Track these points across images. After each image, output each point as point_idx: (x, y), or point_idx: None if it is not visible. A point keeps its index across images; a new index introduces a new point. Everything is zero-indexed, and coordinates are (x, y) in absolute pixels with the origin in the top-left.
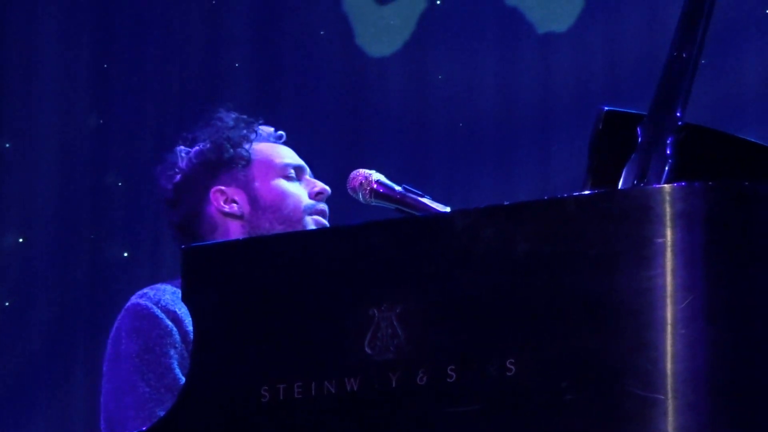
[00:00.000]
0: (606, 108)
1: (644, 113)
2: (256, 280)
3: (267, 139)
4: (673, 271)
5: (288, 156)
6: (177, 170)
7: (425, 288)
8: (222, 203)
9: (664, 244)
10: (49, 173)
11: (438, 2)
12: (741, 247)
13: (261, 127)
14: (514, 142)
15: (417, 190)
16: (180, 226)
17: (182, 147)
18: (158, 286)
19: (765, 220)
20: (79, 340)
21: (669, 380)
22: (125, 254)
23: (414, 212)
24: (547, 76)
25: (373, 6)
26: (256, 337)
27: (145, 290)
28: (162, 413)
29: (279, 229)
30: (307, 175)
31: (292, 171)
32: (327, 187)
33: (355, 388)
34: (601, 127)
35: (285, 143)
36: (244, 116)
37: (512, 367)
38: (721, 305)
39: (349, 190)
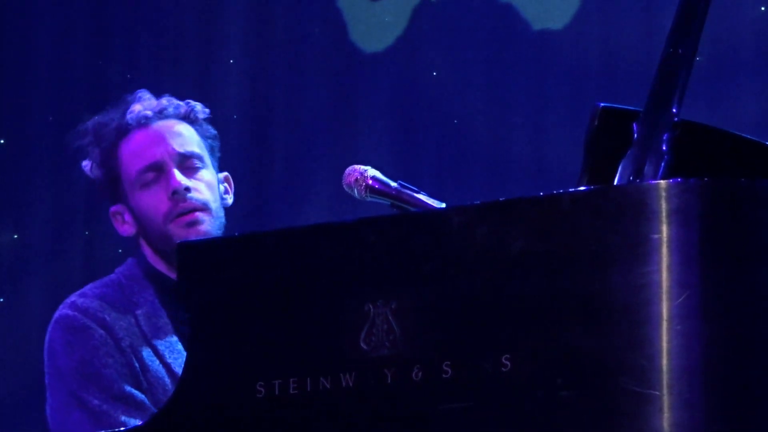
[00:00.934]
0: (602, 104)
1: (640, 110)
2: (252, 276)
3: (137, 128)
4: (669, 267)
5: (141, 156)
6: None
7: (421, 284)
8: (120, 225)
9: (659, 240)
10: (44, 170)
11: None
12: (736, 244)
13: (135, 106)
14: (509, 139)
15: (412, 186)
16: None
17: (86, 162)
18: (85, 290)
19: (761, 217)
20: None
21: (664, 376)
22: (119, 251)
23: (409, 208)
24: (542, 74)
25: (366, 2)
26: (251, 332)
27: (73, 298)
28: (118, 420)
29: (160, 245)
30: (173, 164)
31: (149, 174)
32: (181, 182)
33: (351, 384)
34: (596, 123)
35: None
36: (116, 109)
37: (507, 363)
38: (717, 301)
39: (344, 186)
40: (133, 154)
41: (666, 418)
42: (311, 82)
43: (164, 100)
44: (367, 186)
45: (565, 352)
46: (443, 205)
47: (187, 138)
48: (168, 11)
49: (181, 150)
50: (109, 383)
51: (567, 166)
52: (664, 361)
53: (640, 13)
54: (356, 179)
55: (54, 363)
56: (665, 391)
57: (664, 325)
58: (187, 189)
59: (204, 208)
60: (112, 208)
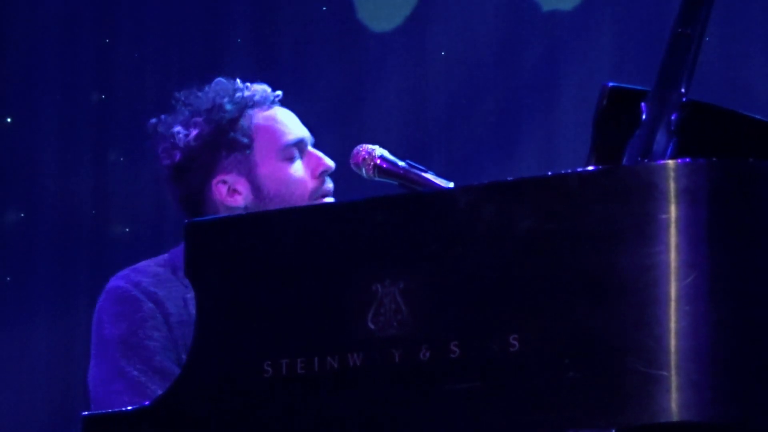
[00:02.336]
0: (610, 84)
1: (648, 90)
2: (259, 256)
3: (266, 105)
4: (677, 247)
5: (288, 131)
6: (176, 149)
7: (428, 264)
8: (225, 195)
9: (667, 220)
10: (51, 149)
11: None
12: (745, 224)
13: (257, 88)
14: (517, 119)
15: (420, 166)
16: (182, 202)
17: (178, 128)
18: (139, 266)
19: None
20: (81, 315)
21: (672, 357)
22: (127, 230)
23: (417, 188)
24: (551, 54)
25: None
26: (258, 312)
27: (126, 271)
28: (155, 394)
29: None
30: (309, 145)
31: (295, 150)
32: (330, 163)
33: (358, 364)
34: (605, 103)
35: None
36: (242, 85)
37: (515, 343)
38: (725, 282)
39: (352, 166)
40: (278, 124)
41: (674, 399)
42: (319, 61)
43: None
44: (375, 165)
45: (572, 332)
46: (451, 185)
47: None
48: None
49: (311, 136)
50: (151, 355)
51: (576, 146)
52: (672, 342)
53: None
54: (364, 159)
55: (100, 332)
56: (673, 371)
57: (672, 305)
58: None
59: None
60: (220, 177)
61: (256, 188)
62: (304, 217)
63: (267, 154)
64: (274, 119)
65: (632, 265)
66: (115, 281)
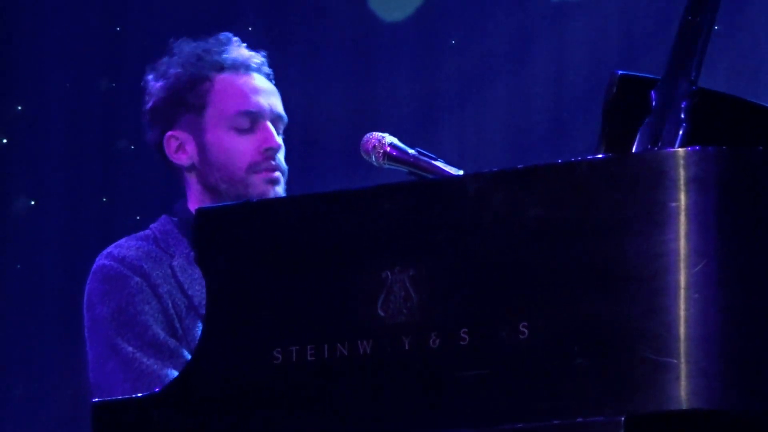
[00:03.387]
0: (620, 72)
1: (658, 78)
2: (269, 243)
3: (239, 71)
4: (687, 235)
5: (243, 100)
6: (150, 96)
7: (438, 251)
8: (173, 151)
9: (677, 208)
10: (61, 137)
11: None
12: (754, 212)
13: (236, 53)
14: (527, 108)
15: (430, 154)
16: (153, 148)
17: (152, 76)
18: (120, 242)
19: None
20: None
21: (682, 345)
22: (137, 218)
23: (427, 175)
24: (560, 42)
25: None
26: (268, 299)
27: (108, 249)
28: (151, 369)
29: (223, 187)
30: (268, 120)
31: (246, 121)
32: (277, 141)
33: (368, 351)
34: (614, 91)
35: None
36: (218, 43)
37: (525, 330)
38: (734, 270)
39: (362, 153)
40: (236, 93)
41: (683, 387)
42: (330, 50)
43: (260, 57)
44: (385, 153)
45: (581, 320)
46: (461, 173)
47: (280, 102)
48: None
49: (277, 110)
50: (143, 329)
51: (585, 135)
52: (682, 330)
53: None
54: (374, 146)
55: (92, 314)
56: (682, 359)
57: (682, 293)
58: (279, 150)
59: (282, 171)
60: (172, 132)
61: (201, 151)
62: (315, 204)
63: (217, 120)
64: (234, 86)
65: (641, 253)
66: (100, 260)
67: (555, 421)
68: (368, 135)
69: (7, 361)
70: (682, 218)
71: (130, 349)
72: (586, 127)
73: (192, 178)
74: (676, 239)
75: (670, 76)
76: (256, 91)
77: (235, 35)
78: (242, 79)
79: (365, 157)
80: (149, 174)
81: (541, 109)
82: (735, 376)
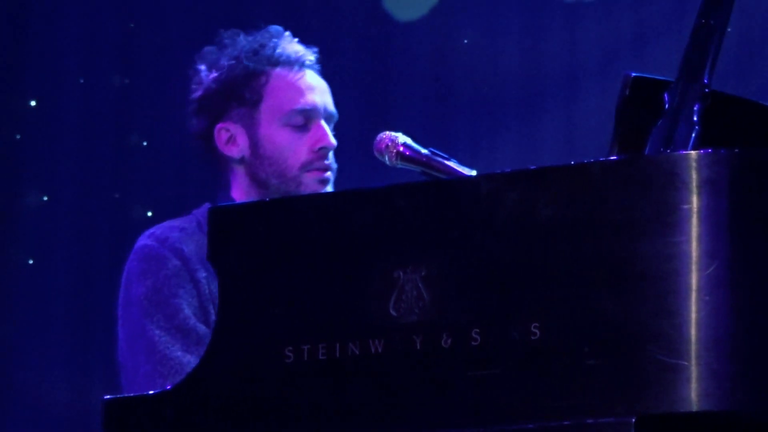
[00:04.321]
0: (633, 74)
1: (671, 80)
2: (282, 241)
3: (294, 67)
4: (698, 237)
5: (299, 98)
6: (199, 86)
7: (450, 251)
8: (224, 143)
9: (689, 210)
10: (74, 132)
11: None
12: (766, 215)
13: (290, 49)
14: (540, 108)
15: (443, 153)
16: (197, 138)
17: (203, 66)
18: (165, 224)
19: None
20: (102, 298)
21: (692, 347)
22: (149, 214)
23: (440, 175)
24: (573, 43)
25: None
26: (281, 298)
27: (152, 229)
28: (174, 354)
29: (274, 183)
30: (322, 119)
31: (301, 118)
32: (331, 140)
33: (380, 350)
34: (627, 93)
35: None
36: (272, 37)
37: (536, 331)
38: (746, 272)
39: (375, 153)
40: (291, 90)
41: (694, 389)
42: (344, 50)
43: (312, 53)
44: (398, 153)
45: (593, 321)
46: (473, 173)
47: (332, 99)
48: None
49: (330, 109)
50: (174, 311)
51: (597, 135)
52: (693, 331)
53: None
54: (387, 146)
55: (127, 293)
56: (693, 361)
57: (693, 295)
58: (331, 149)
59: (333, 171)
60: (224, 124)
61: (253, 144)
62: (328, 204)
63: (272, 115)
64: (290, 83)
65: (653, 254)
66: (142, 240)
67: (565, 422)
68: (381, 134)
69: (19, 356)
70: (694, 220)
71: (157, 332)
72: (598, 128)
73: (240, 171)
74: (688, 241)
75: (683, 78)
76: (311, 88)
77: (249, 33)
78: (297, 76)
79: (378, 156)
80: (161, 170)
81: (553, 109)
82: (745, 377)
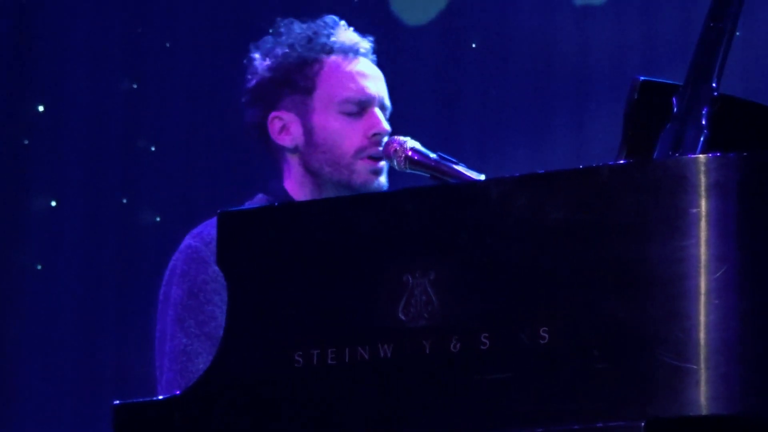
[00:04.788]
0: (641, 78)
1: (679, 84)
2: (291, 246)
3: (349, 55)
4: (707, 241)
5: (353, 86)
6: (254, 74)
7: (459, 255)
8: (277, 132)
9: (698, 214)
10: (82, 137)
11: None
12: None
13: (344, 37)
14: (549, 112)
15: (452, 158)
16: (250, 129)
17: (258, 54)
18: (215, 221)
19: None
20: (110, 303)
21: (702, 350)
22: (157, 219)
23: (448, 180)
24: (583, 47)
25: None
26: (290, 302)
27: (201, 227)
28: (196, 367)
29: (327, 171)
30: (376, 107)
31: (354, 106)
32: (385, 126)
33: (389, 355)
34: (636, 96)
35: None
36: (326, 25)
37: (545, 335)
38: (755, 276)
39: (383, 157)
40: (346, 77)
41: (703, 392)
42: None
43: (368, 42)
44: (407, 157)
45: (602, 324)
46: (482, 177)
47: (386, 88)
48: None
49: (385, 98)
50: (207, 319)
51: (606, 139)
52: (702, 335)
53: None
54: (396, 150)
55: (167, 290)
56: (702, 364)
57: (702, 299)
58: (386, 135)
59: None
60: (277, 113)
61: (307, 132)
62: (336, 208)
63: (326, 103)
64: (344, 71)
65: (662, 258)
66: (189, 239)
67: (575, 426)
68: (390, 138)
69: (27, 361)
70: (703, 224)
71: (185, 341)
72: (607, 131)
73: (294, 160)
74: (697, 245)
75: (691, 82)
76: (366, 76)
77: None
78: (352, 64)
79: (387, 161)
80: (169, 174)
81: (562, 112)
82: (755, 381)
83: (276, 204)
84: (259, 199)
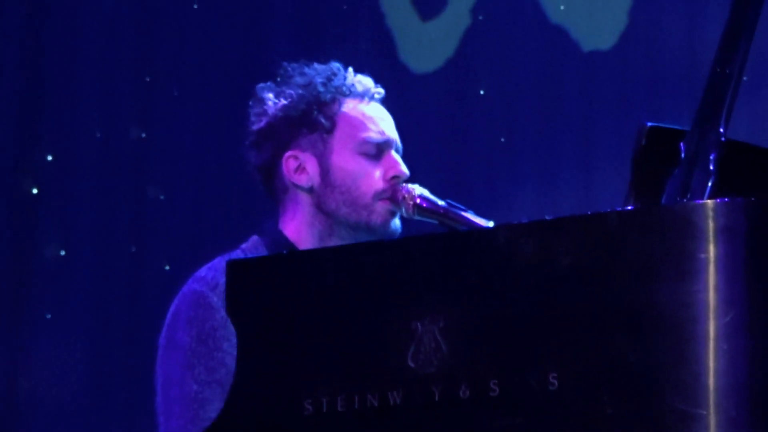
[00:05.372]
0: (649, 124)
1: (687, 129)
2: (300, 294)
3: (364, 98)
4: (715, 286)
5: (372, 128)
6: (264, 115)
7: (468, 302)
8: (293, 171)
9: (706, 259)
10: (90, 186)
11: (480, 18)
12: None
13: (360, 80)
14: (556, 158)
15: (460, 205)
16: (258, 171)
17: (270, 95)
18: (216, 264)
19: None
20: (120, 352)
21: (711, 395)
22: (166, 267)
23: (457, 226)
24: (589, 93)
25: (417, 22)
26: (299, 349)
27: (203, 271)
28: (208, 414)
29: (345, 211)
30: (393, 150)
31: (373, 148)
32: (404, 170)
33: (398, 402)
34: (644, 142)
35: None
36: (345, 74)
37: (554, 380)
38: (763, 320)
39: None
40: (365, 119)
41: None
42: None
43: (380, 88)
44: (415, 204)
45: (611, 369)
46: (491, 224)
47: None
48: (214, 28)
49: (399, 143)
50: (216, 366)
51: (614, 184)
52: (711, 380)
53: (685, 33)
54: (404, 197)
55: (172, 334)
56: (712, 409)
57: (711, 343)
58: (404, 179)
59: None
60: (293, 152)
61: (324, 172)
62: (345, 256)
63: (345, 143)
64: (363, 113)
65: (671, 303)
66: (193, 284)
67: None
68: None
69: (37, 410)
70: (711, 269)
71: (195, 387)
72: (615, 176)
73: (305, 200)
74: (705, 289)
75: (699, 127)
76: (383, 120)
77: (311, 67)
78: (368, 106)
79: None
80: (178, 223)
81: (570, 158)
82: (764, 426)
83: (284, 250)
84: (253, 241)
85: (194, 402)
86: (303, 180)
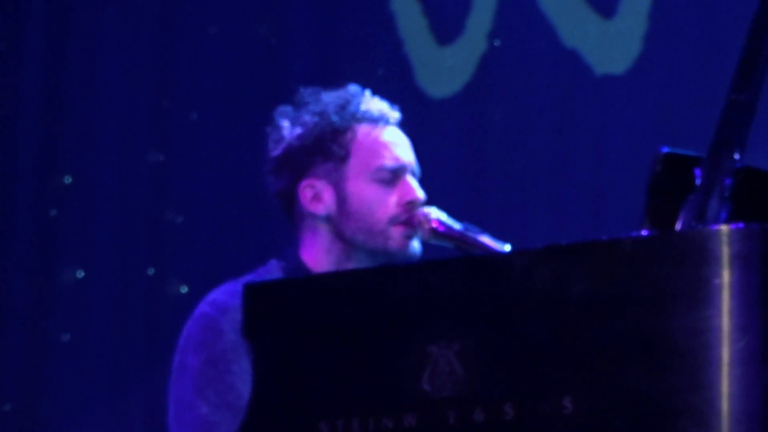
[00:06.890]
0: (665, 150)
1: (702, 155)
2: (316, 317)
3: (376, 122)
4: (730, 312)
5: (387, 154)
6: (281, 143)
7: (483, 326)
8: (309, 200)
9: (720, 285)
10: (110, 209)
11: (496, 44)
12: None
13: (375, 106)
14: (571, 183)
15: (476, 228)
16: (277, 196)
17: (286, 122)
18: (228, 287)
19: None
20: (138, 375)
21: (725, 421)
22: (184, 290)
23: (473, 250)
24: (604, 118)
25: (434, 47)
26: (315, 372)
27: (214, 294)
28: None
29: (361, 238)
30: (408, 174)
31: (389, 174)
32: (420, 195)
33: (413, 424)
34: (659, 168)
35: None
36: (358, 99)
37: (569, 405)
38: None
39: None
40: (380, 145)
41: None
42: None
43: (396, 111)
44: (431, 229)
45: (625, 395)
46: (508, 247)
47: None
48: (234, 54)
49: (415, 166)
50: (227, 389)
51: (629, 211)
52: (725, 406)
53: (700, 56)
54: (420, 221)
55: (183, 358)
56: None
57: (725, 369)
58: (420, 204)
59: None
60: (309, 181)
61: (340, 200)
62: (361, 280)
63: (360, 171)
64: (377, 140)
65: (685, 329)
66: (204, 307)
67: None
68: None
69: None
70: (725, 294)
71: (206, 410)
72: (629, 202)
73: (323, 228)
74: (719, 315)
75: (714, 153)
76: (397, 144)
77: (328, 91)
78: (384, 132)
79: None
80: (196, 246)
81: (584, 183)
82: None
83: (300, 276)
84: (272, 265)
85: (205, 424)
86: (319, 209)
